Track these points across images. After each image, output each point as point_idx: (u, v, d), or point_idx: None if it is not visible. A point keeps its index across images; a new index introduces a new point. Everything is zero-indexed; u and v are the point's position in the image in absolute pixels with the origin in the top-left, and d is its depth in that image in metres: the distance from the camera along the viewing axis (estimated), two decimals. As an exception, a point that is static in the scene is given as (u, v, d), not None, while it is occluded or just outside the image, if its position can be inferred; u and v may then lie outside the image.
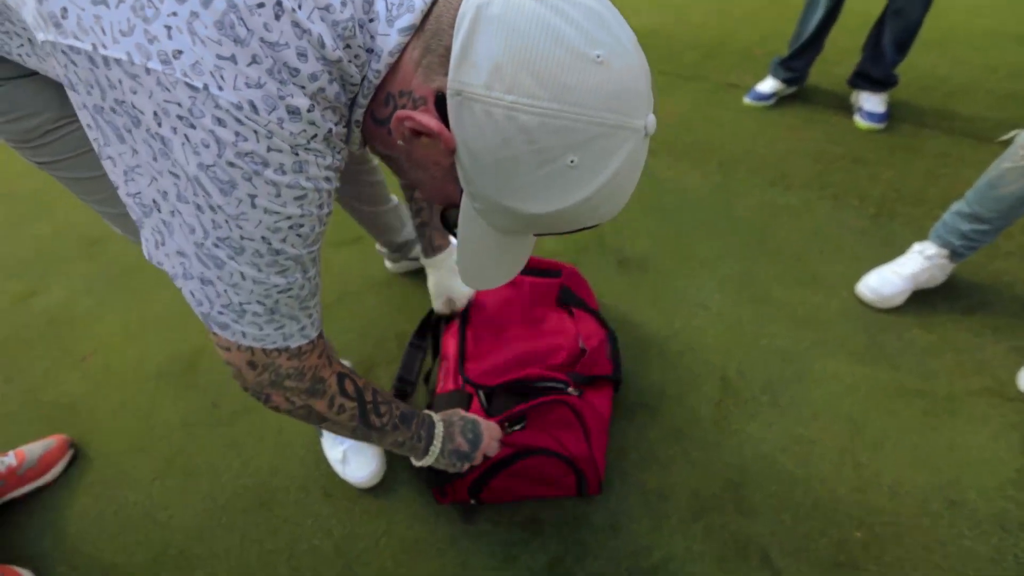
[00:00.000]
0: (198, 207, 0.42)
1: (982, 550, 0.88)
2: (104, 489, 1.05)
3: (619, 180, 0.44)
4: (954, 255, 1.21)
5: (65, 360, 1.31)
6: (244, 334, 0.52)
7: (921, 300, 1.27)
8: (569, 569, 0.90)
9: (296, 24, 0.38)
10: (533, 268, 1.13)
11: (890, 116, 1.87)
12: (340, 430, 0.67)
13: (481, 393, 0.92)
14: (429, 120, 0.42)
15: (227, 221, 0.43)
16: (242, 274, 0.46)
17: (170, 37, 0.36)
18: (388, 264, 1.45)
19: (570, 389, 0.92)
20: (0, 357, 1.34)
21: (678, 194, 1.67)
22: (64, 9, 0.37)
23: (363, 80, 0.44)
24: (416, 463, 0.79)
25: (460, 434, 0.80)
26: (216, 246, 0.44)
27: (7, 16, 0.48)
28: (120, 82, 0.38)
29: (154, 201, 0.44)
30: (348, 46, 0.41)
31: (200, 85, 0.37)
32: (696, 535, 0.92)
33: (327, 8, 0.39)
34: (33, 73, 0.58)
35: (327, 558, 0.93)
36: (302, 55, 0.39)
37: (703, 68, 2.36)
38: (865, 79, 1.86)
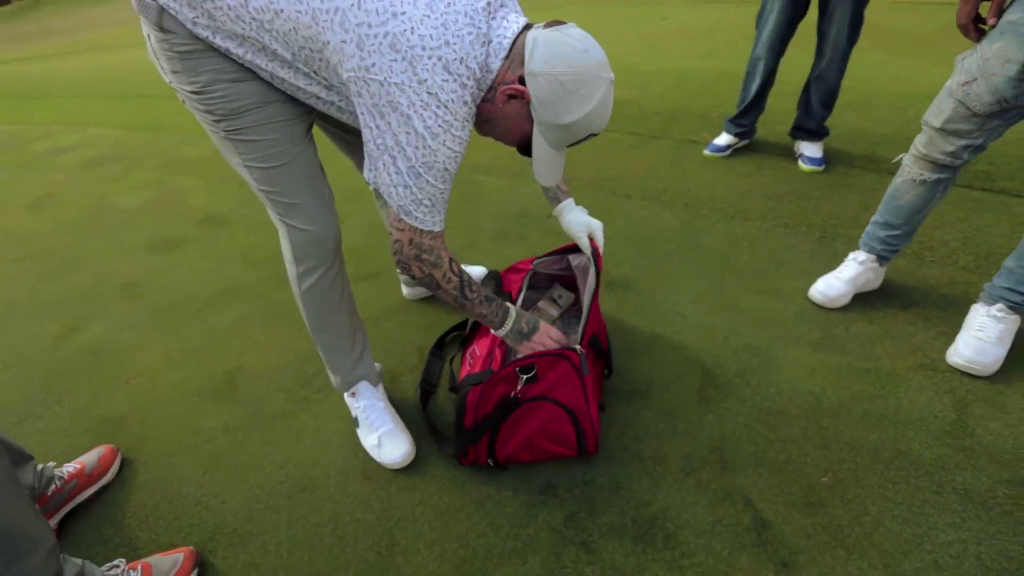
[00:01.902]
0: (415, 147, 0.81)
1: (925, 484, 1.08)
2: (157, 486, 1.20)
3: (603, 103, 0.86)
4: (880, 259, 1.51)
5: (110, 383, 1.48)
6: (417, 218, 0.88)
7: (864, 300, 1.55)
8: (583, 523, 1.06)
9: (468, 67, 0.79)
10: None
11: (827, 160, 2.26)
12: (447, 297, 1.00)
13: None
14: (521, 88, 0.84)
15: (431, 152, 0.82)
16: (428, 181, 0.85)
17: (422, 70, 0.76)
18: (405, 290, 1.70)
19: (576, 347, 1.12)
20: (47, 383, 1.50)
21: (653, 230, 1.98)
22: (374, 64, 0.76)
23: (484, 86, 0.86)
24: (493, 332, 1.12)
25: (525, 322, 1.12)
26: (420, 167, 0.83)
27: (322, 59, 0.81)
28: (388, 91, 0.76)
29: (390, 145, 0.81)
30: (479, 75, 0.82)
31: (435, 89, 0.77)
32: (688, 489, 1.11)
33: (471, 60, 0.79)
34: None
35: (369, 527, 1.08)
36: (468, 80, 0.80)
37: (667, 130, 2.79)
38: (802, 131, 2.28)
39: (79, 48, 10.28)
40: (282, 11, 0.77)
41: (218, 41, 0.82)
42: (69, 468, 1.17)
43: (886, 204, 1.45)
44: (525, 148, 0.94)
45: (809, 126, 2.24)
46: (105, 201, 2.68)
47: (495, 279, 1.47)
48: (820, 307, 1.54)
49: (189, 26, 0.80)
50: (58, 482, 1.13)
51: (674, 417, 1.26)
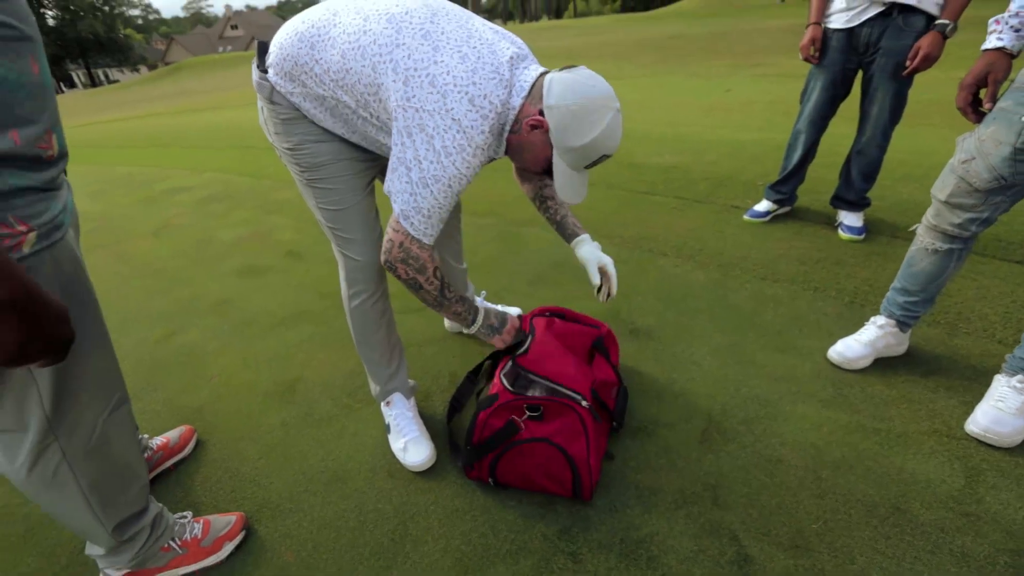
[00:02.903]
0: (431, 161, 1.00)
1: (920, 543, 1.11)
2: (222, 463, 1.45)
3: (611, 128, 1.03)
4: (900, 324, 1.56)
5: (196, 379, 1.80)
6: (413, 224, 1.06)
7: (885, 364, 1.59)
8: (574, 536, 1.18)
9: (490, 102, 1.00)
10: (584, 320, 1.55)
11: (868, 230, 2.32)
12: (427, 297, 1.16)
13: (506, 381, 1.29)
14: (541, 119, 1.03)
15: (442, 167, 1.01)
16: (432, 193, 1.03)
17: (451, 101, 0.98)
18: (446, 324, 1.93)
19: (584, 402, 1.28)
20: (148, 375, 1.84)
21: (682, 286, 2.11)
22: (414, 96, 0.98)
23: (510, 121, 1.07)
24: (466, 329, 1.28)
25: (494, 316, 1.32)
26: (429, 179, 1.02)
27: (377, 98, 1.04)
28: (420, 116, 0.98)
29: (409, 158, 1.01)
30: (500, 109, 1.03)
31: (458, 119, 0.98)
32: (678, 519, 1.20)
33: (494, 97, 1.01)
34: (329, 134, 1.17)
35: (387, 517, 1.25)
36: (489, 112, 1.01)
37: (713, 195, 2.95)
38: (842, 201, 2.36)
39: (203, 107, 12.11)
40: (351, 69, 1.04)
41: (306, 104, 1.11)
42: (158, 441, 1.45)
43: (903, 271, 1.52)
44: (549, 171, 1.12)
45: (849, 197, 2.33)
46: (210, 234, 3.20)
47: (519, 319, 1.65)
48: (838, 367, 1.60)
49: (289, 98, 1.11)
50: (149, 451, 1.41)
51: (674, 454, 1.36)
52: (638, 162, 3.55)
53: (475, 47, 1.02)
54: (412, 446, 1.38)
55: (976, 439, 1.33)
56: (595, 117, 1.00)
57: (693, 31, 14.58)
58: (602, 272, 1.42)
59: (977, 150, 1.27)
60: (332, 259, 2.63)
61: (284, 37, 1.09)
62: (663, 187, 3.12)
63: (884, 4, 1.92)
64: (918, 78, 2.02)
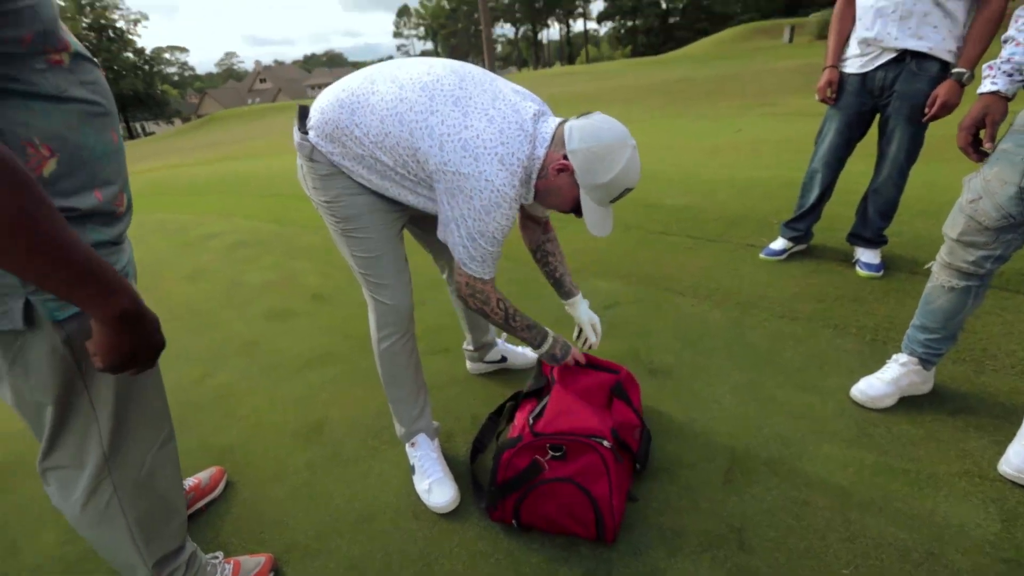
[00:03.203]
0: (474, 219, 1.12)
1: (956, 590, 1.08)
2: (251, 504, 1.48)
3: (630, 164, 1.13)
4: (923, 362, 1.55)
5: (227, 419, 1.86)
6: (471, 269, 1.20)
7: (911, 403, 1.57)
8: (598, 580, 1.17)
9: (518, 159, 1.12)
10: (602, 365, 1.56)
11: (885, 267, 2.32)
12: (495, 320, 1.31)
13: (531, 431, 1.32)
14: (566, 162, 1.13)
15: (484, 224, 1.13)
16: (480, 244, 1.16)
17: (483, 164, 1.09)
18: (469, 365, 1.97)
19: (605, 443, 1.29)
20: (183, 415, 1.91)
21: (700, 325, 2.13)
22: (450, 160, 1.09)
23: (536, 169, 1.17)
24: (534, 351, 1.45)
25: (559, 347, 1.43)
26: (475, 233, 1.14)
27: (415, 160, 1.14)
28: (458, 179, 1.09)
29: (456, 216, 1.14)
30: (526, 163, 1.14)
31: (491, 179, 1.09)
32: (703, 563, 1.19)
33: (520, 154, 1.12)
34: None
35: (412, 559, 1.27)
36: (517, 168, 1.12)
37: (727, 234, 3.00)
38: (859, 238, 2.38)
39: (232, 156, 12.72)
40: (390, 133, 1.14)
41: (345, 163, 1.21)
42: (190, 481, 1.50)
43: (921, 308, 1.53)
44: (576, 210, 1.23)
45: (866, 234, 2.35)
46: (239, 277, 3.33)
47: (539, 364, 1.67)
48: (861, 406, 1.59)
49: (329, 156, 1.21)
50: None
51: (697, 495, 1.35)
52: (652, 202, 3.63)
53: (500, 109, 1.13)
54: (436, 487, 1.40)
55: (1010, 480, 1.30)
56: (615, 155, 1.11)
57: (702, 74, 15.00)
58: (592, 327, 1.59)
59: (983, 190, 1.31)
60: (356, 302, 2.74)
61: (325, 103, 1.20)
62: (676, 227, 3.18)
63: (896, 51, 1.99)
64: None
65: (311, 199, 1.32)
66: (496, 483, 1.28)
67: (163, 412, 1.02)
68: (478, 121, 1.11)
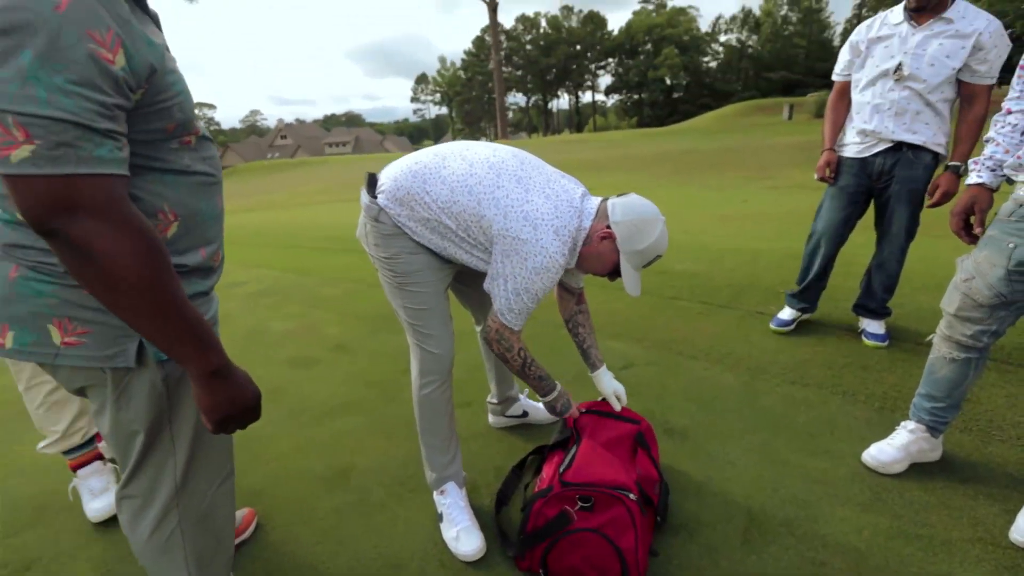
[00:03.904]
0: (523, 278, 1.30)
1: (974, 655, 1.11)
2: (280, 547, 1.53)
3: (662, 234, 1.35)
4: (931, 429, 1.63)
5: (254, 462, 1.92)
6: (507, 319, 1.36)
7: (921, 470, 1.64)
8: (623, 634, 1.21)
9: (568, 230, 1.33)
10: (625, 415, 1.66)
11: (890, 337, 2.43)
12: (512, 367, 1.45)
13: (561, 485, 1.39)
14: (609, 231, 1.34)
15: (531, 282, 1.30)
16: (523, 300, 1.33)
17: (541, 233, 1.28)
18: (491, 419, 2.05)
19: (631, 496, 1.36)
20: (211, 459, 1.97)
21: (713, 388, 2.22)
22: (512, 226, 1.29)
23: (581, 239, 1.36)
24: (540, 400, 1.58)
25: (560, 403, 1.57)
26: (521, 290, 1.31)
27: (479, 226, 1.31)
28: (517, 243, 1.28)
29: (507, 273, 1.31)
30: (575, 234, 1.34)
31: (546, 246, 1.29)
32: (726, 620, 1.22)
33: (571, 226, 1.33)
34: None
35: (439, 605, 1.30)
36: (567, 238, 1.32)
37: (736, 301, 3.13)
38: (864, 309, 2.51)
39: (253, 208, 13.23)
40: (458, 201, 1.31)
41: (410, 224, 1.37)
42: (223, 522, 1.55)
43: (926, 377, 1.63)
44: (612, 273, 1.42)
45: (871, 306, 2.48)
46: (263, 325, 3.46)
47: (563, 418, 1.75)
48: (873, 471, 1.65)
49: (395, 218, 1.37)
50: (214, 531, 1.51)
51: (718, 554, 1.40)
52: (664, 268, 3.80)
53: (554, 188, 1.36)
54: (464, 535, 1.45)
55: (1023, 548, 1.35)
56: (649, 227, 1.33)
57: (706, 146, 15.74)
58: (617, 397, 1.68)
59: (975, 270, 1.45)
60: (377, 352, 2.86)
61: (398, 172, 1.38)
62: (687, 293, 3.33)
63: (893, 142, 2.21)
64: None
65: (370, 254, 1.47)
66: (526, 532, 1.34)
67: (229, 449, 1.12)
68: (537, 197, 1.31)
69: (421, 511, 1.62)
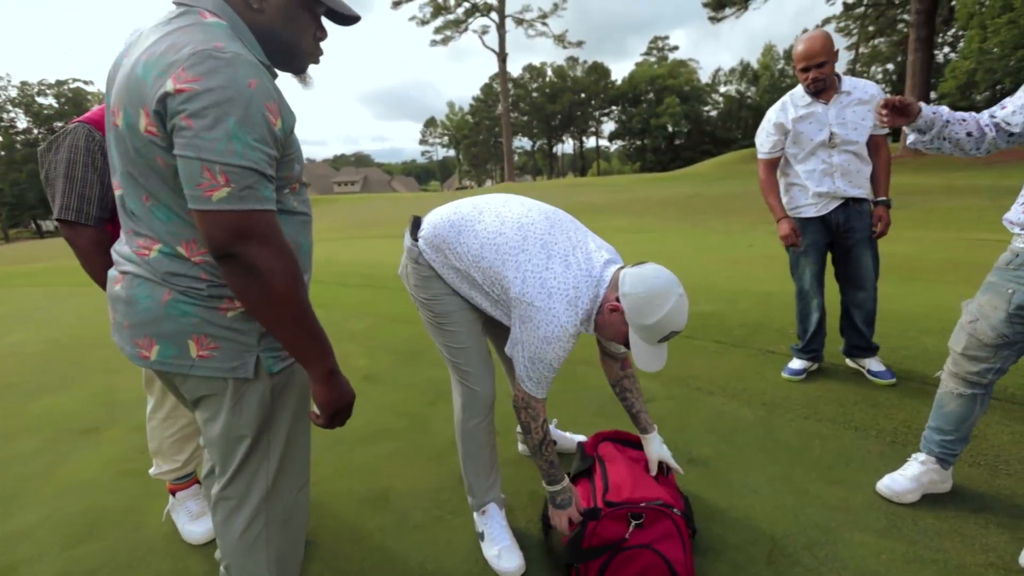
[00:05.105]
0: (535, 346, 1.37)
1: (990, 668, 1.20)
2: (331, 562, 1.63)
3: (676, 309, 1.31)
4: (941, 461, 1.74)
5: (299, 486, 2.02)
6: (527, 386, 1.42)
7: (934, 500, 1.74)
8: (661, 645, 1.30)
9: (583, 301, 1.38)
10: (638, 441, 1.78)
11: (898, 376, 2.56)
12: (531, 441, 1.48)
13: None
14: (617, 304, 1.35)
15: (543, 351, 1.36)
16: (538, 368, 1.39)
17: (555, 302, 1.35)
18: (520, 447, 2.17)
19: (675, 510, 1.47)
20: (256, 481, 2.08)
21: (732, 422, 2.34)
22: (528, 291, 1.37)
23: (597, 307, 1.40)
24: (545, 485, 1.51)
25: (561, 497, 1.50)
26: (535, 358, 1.38)
27: (499, 284, 1.43)
28: (531, 310, 1.35)
29: (522, 339, 1.38)
30: (588, 305, 1.39)
31: (557, 316, 1.35)
32: (757, 633, 1.31)
33: (587, 298, 1.38)
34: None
35: (486, 617, 1.40)
36: (581, 309, 1.38)
37: (749, 340, 3.27)
38: (858, 350, 2.67)
39: (267, 244, 13.54)
40: (485, 257, 1.45)
41: (444, 270, 1.52)
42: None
43: (935, 412, 1.76)
44: (627, 343, 1.41)
45: (862, 344, 2.64)
46: (290, 357, 3.60)
47: (581, 447, 1.83)
48: (888, 500, 1.75)
49: (431, 263, 1.53)
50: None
51: (745, 572, 1.50)
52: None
53: (577, 257, 1.41)
54: (506, 553, 1.55)
55: (1031, 573, 1.44)
56: (660, 301, 1.29)
57: (710, 191, 16.17)
58: (664, 464, 1.69)
59: (979, 312, 1.60)
60: (405, 384, 2.99)
61: (438, 219, 1.55)
62: (702, 332, 3.47)
63: (843, 198, 2.54)
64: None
65: (411, 294, 1.63)
66: (582, 547, 1.44)
67: (307, 460, 1.25)
68: (558, 265, 1.37)
69: (459, 532, 1.73)
